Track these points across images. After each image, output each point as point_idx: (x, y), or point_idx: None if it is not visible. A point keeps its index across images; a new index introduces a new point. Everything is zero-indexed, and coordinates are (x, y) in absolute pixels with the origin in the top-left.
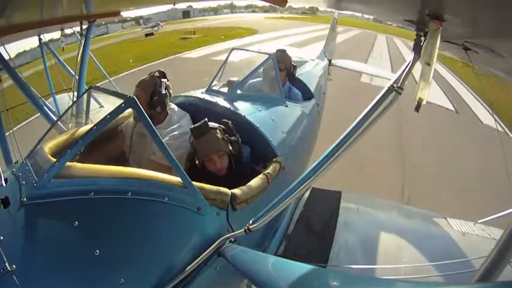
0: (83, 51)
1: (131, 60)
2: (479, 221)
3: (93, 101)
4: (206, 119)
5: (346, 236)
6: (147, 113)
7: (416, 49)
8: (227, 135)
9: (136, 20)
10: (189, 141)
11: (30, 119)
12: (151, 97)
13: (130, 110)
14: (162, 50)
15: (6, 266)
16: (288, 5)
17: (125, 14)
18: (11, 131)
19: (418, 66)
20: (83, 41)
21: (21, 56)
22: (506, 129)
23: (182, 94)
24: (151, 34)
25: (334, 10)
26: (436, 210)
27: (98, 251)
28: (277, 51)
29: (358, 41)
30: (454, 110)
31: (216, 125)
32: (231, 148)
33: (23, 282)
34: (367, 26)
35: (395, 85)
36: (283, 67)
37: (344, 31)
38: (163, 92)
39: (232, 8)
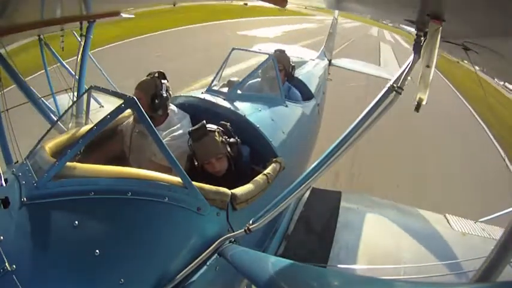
0: (83, 51)
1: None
2: (479, 220)
3: (93, 101)
4: (204, 121)
5: (346, 236)
6: (148, 116)
7: (416, 49)
8: (226, 138)
9: None
10: (188, 143)
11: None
12: (152, 100)
13: (130, 110)
14: (280, 12)
15: (6, 266)
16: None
17: (124, 14)
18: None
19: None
20: (82, 41)
21: None
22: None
23: (182, 94)
24: (246, 4)
25: (335, 10)
26: None
27: (97, 251)
28: (276, 51)
29: (359, 28)
30: None
31: (215, 127)
32: (229, 150)
33: (23, 282)
34: (365, 21)
35: (395, 85)
36: (281, 67)
37: (349, 22)
38: (165, 94)
39: None
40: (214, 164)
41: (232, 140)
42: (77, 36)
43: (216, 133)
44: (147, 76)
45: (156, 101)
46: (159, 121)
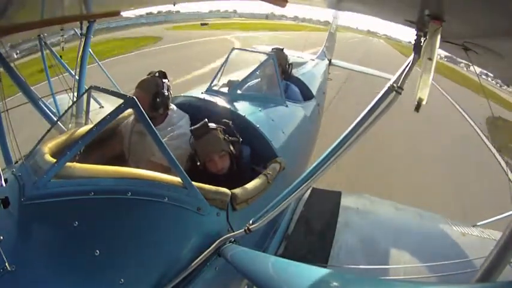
0: (83, 51)
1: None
2: (478, 223)
3: (93, 101)
4: (206, 119)
5: (346, 236)
6: (149, 115)
7: (416, 49)
8: (228, 136)
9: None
10: (190, 142)
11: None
12: (153, 98)
13: (129, 110)
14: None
15: (6, 266)
16: (287, 5)
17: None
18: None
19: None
20: (83, 41)
21: None
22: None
23: (182, 94)
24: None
25: (334, 10)
26: None
27: (97, 251)
28: (273, 49)
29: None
30: None
31: (216, 125)
32: (232, 148)
33: (22, 282)
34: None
35: (395, 85)
36: (277, 64)
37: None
38: (166, 93)
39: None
40: (217, 161)
41: (234, 138)
42: (78, 35)
43: (218, 131)
44: (147, 75)
45: (158, 99)
46: (158, 120)
